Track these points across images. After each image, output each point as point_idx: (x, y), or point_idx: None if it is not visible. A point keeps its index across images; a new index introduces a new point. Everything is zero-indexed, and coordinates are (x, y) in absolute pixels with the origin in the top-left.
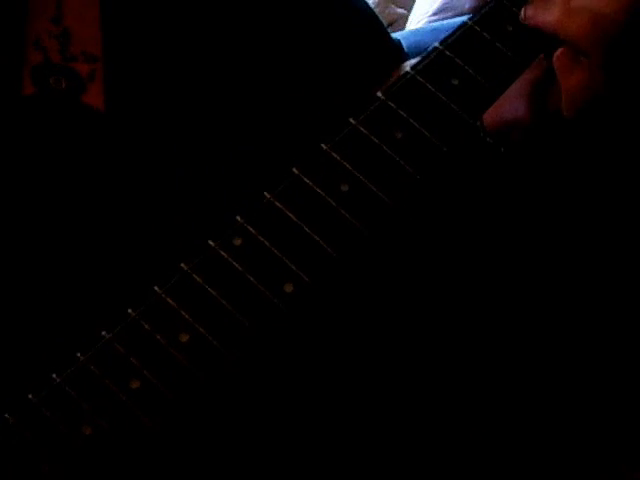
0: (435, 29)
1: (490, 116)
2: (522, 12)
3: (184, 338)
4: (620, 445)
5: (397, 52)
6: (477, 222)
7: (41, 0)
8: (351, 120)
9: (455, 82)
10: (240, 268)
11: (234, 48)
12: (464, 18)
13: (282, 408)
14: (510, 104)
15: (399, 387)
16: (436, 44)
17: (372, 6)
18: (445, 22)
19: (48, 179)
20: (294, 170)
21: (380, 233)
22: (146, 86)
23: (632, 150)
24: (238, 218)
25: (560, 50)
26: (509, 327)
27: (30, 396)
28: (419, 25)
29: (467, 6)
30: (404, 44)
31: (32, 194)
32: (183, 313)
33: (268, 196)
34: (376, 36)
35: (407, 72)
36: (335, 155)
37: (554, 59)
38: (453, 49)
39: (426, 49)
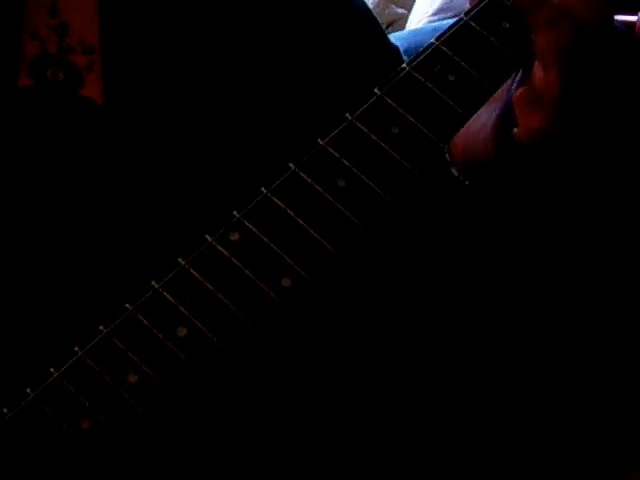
0: (435, 29)
1: (457, 148)
2: None
3: (182, 332)
4: (621, 445)
5: (394, 55)
6: (473, 221)
7: None
8: (347, 115)
9: (451, 78)
10: (237, 263)
11: (234, 41)
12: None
13: (280, 404)
14: (476, 137)
15: (398, 384)
16: (432, 40)
17: (372, 6)
18: (445, 22)
19: (45, 173)
20: (291, 165)
21: (377, 228)
22: (145, 78)
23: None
24: (235, 213)
25: (520, 90)
26: (509, 326)
27: (28, 390)
28: (419, 25)
29: (467, 6)
30: (404, 44)
31: (29, 188)
32: (181, 307)
33: (265, 191)
34: (373, 37)
35: (402, 67)
36: (332, 150)
37: (513, 98)
38: (449, 45)
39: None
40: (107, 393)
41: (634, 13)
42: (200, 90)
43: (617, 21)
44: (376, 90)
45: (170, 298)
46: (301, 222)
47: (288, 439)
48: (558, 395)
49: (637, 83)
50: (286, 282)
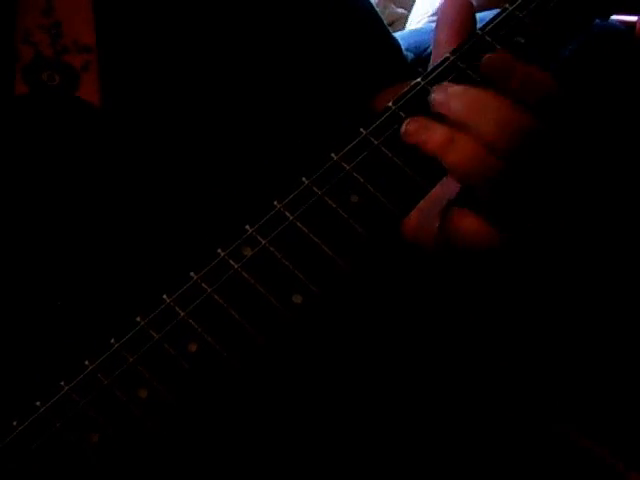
0: None
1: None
2: (403, 125)
3: (193, 347)
4: (621, 445)
5: (397, 52)
6: None
7: None
8: (362, 130)
9: None
10: (249, 278)
11: (234, 38)
12: None
13: (281, 406)
14: (427, 217)
15: (400, 389)
16: (447, 54)
17: None
18: None
19: (46, 181)
20: (304, 180)
21: (389, 244)
22: (143, 78)
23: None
24: (247, 227)
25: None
26: (508, 327)
27: (38, 403)
28: (419, 25)
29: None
30: (404, 44)
31: (31, 197)
32: (192, 322)
33: (277, 205)
34: (377, 36)
35: (417, 82)
36: (345, 165)
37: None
38: (464, 59)
39: (426, 49)
40: (117, 407)
41: (634, 13)
42: (200, 89)
43: (617, 21)
44: (390, 104)
45: (181, 312)
46: (314, 238)
47: (290, 439)
48: (558, 396)
49: (637, 83)
50: (297, 298)
